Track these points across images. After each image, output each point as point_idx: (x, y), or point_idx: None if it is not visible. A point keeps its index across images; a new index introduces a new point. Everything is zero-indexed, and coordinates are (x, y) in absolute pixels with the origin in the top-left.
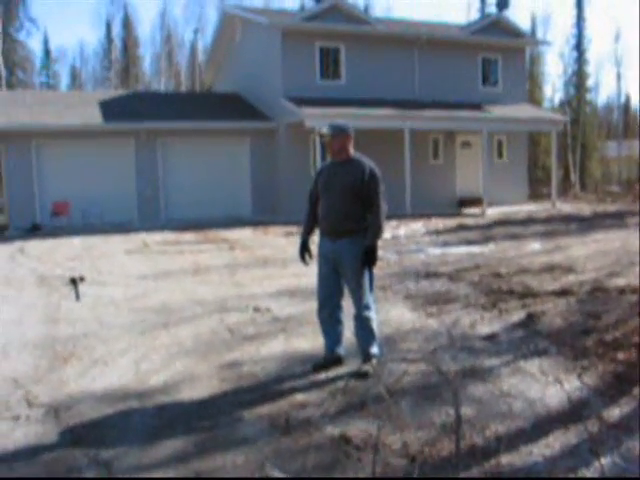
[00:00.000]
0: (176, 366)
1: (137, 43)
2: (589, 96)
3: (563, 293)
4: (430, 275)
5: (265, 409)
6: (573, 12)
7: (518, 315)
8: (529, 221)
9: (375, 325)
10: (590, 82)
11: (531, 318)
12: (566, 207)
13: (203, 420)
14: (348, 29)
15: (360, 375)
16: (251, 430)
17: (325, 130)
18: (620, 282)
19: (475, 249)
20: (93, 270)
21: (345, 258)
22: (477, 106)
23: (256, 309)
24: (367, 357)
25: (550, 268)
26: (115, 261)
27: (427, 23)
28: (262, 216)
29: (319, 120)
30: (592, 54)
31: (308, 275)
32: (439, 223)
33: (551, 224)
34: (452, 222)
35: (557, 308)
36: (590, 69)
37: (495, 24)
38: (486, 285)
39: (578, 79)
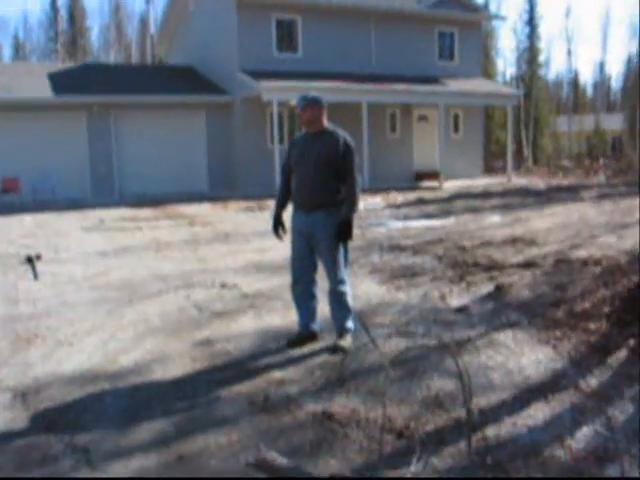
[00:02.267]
0: (146, 345)
1: (84, 14)
2: (541, 72)
3: (528, 265)
4: (394, 248)
5: (242, 387)
6: None
7: (486, 287)
8: (486, 195)
9: (350, 300)
10: (541, 58)
11: (499, 290)
12: (521, 181)
13: (179, 400)
14: (305, 0)
15: (337, 350)
16: (230, 409)
17: (297, 101)
18: (582, 254)
19: (436, 222)
20: (49, 248)
21: (319, 232)
22: (434, 80)
23: (223, 285)
24: (343, 332)
25: (512, 241)
26: (71, 238)
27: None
28: (219, 191)
29: (276, 93)
30: (543, 30)
31: (272, 250)
32: (398, 197)
33: (508, 197)
34: (411, 196)
35: (523, 280)
36: (542, 45)
37: None
38: (451, 258)
39: (530, 54)
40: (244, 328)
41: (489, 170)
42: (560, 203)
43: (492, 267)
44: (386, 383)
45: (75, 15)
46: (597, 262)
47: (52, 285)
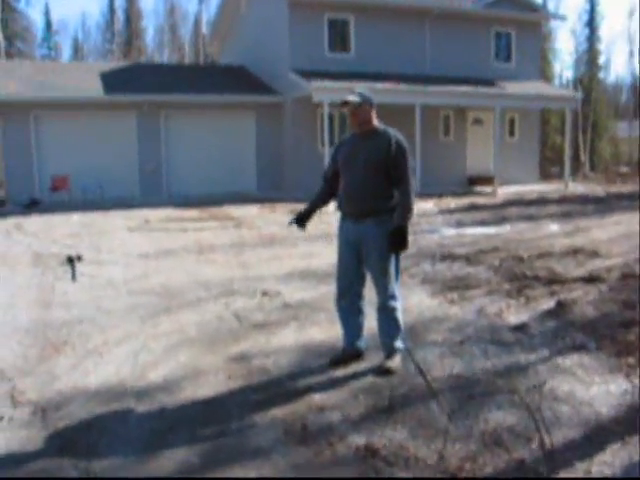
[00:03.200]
0: (178, 358)
1: (140, 15)
2: (600, 75)
3: (592, 279)
4: (447, 257)
5: (279, 412)
6: None
7: (547, 303)
8: (543, 201)
9: (400, 316)
10: (601, 60)
11: (561, 307)
12: (579, 188)
13: (209, 425)
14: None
15: (384, 372)
16: (264, 438)
17: (349, 98)
18: None
19: (491, 230)
20: (92, 248)
21: (369, 242)
22: (489, 82)
23: (264, 293)
24: (391, 352)
25: (573, 252)
26: (115, 239)
27: None
28: (268, 193)
29: (327, 94)
30: (604, 31)
31: (319, 256)
32: (450, 202)
33: (566, 205)
34: (463, 201)
35: (588, 296)
36: (602, 47)
37: None
38: (508, 269)
39: (590, 57)
40: (284, 342)
41: (545, 176)
42: (621, 212)
43: (552, 281)
44: (439, 414)
45: (131, 16)
46: None
47: (89, 288)
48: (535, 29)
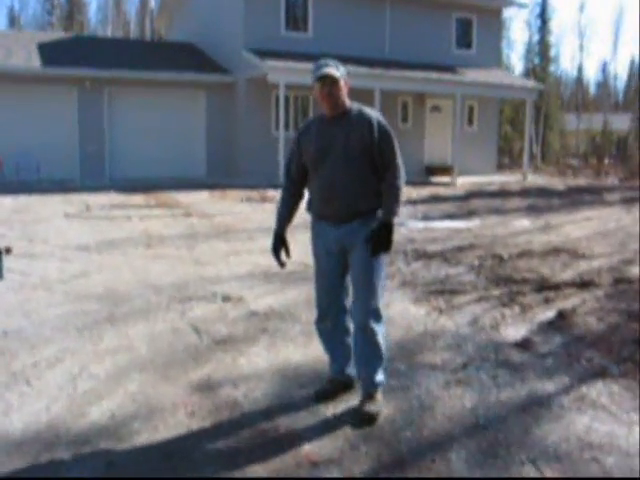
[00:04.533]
0: (127, 387)
1: None
2: (551, 67)
3: (585, 284)
4: (421, 255)
5: (260, 469)
6: None
7: (544, 313)
8: (505, 193)
9: (383, 341)
10: (552, 53)
11: (562, 318)
12: (538, 180)
13: None
14: None
15: (364, 420)
16: None
17: (329, 71)
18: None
19: (460, 224)
20: (24, 238)
21: (357, 247)
22: (450, 68)
23: (226, 298)
24: (371, 390)
25: (554, 251)
26: (51, 227)
27: None
28: (218, 178)
29: (284, 74)
30: (555, 24)
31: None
32: (412, 192)
33: (529, 198)
34: (424, 191)
35: (586, 304)
36: (552, 39)
37: None
38: (490, 271)
39: (541, 49)
40: (255, 365)
41: (498, 167)
42: (587, 207)
43: (544, 285)
44: (462, 467)
45: None
46: None
47: (18, 289)
48: (496, 16)
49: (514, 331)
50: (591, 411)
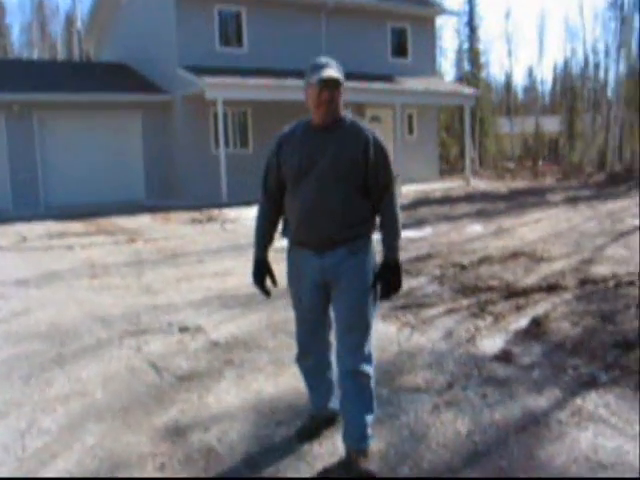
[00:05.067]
0: (84, 440)
1: (3, 10)
2: (482, 73)
3: (552, 288)
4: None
5: None
6: None
7: (517, 321)
8: (451, 200)
9: (374, 385)
10: (482, 60)
11: (537, 325)
12: (480, 184)
13: None
14: None
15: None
16: None
17: (333, 74)
18: (602, 270)
19: (412, 233)
20: None
21: (344, 278)
22: (387, 77)
23: (183, 328)
24: (362, 445)
25: (513, 255)
26: None
27: None
28: (159, 200)
29: (222, 90)
30: (483, 32)
31: (233, 274)
32: None
33: (476, 203)
34: None
35: (557, 309)
36: (481, 46)
37: None
38: (454, 280)
39: (472, 56)
40: (225, 403)
41: (441, 173)
42: (534, 208)
43: (511, 292)
44: None
45: None
46: (630, 283)
47: None
48: (429, 24)
49: (491, 343)
50: (592, 426)
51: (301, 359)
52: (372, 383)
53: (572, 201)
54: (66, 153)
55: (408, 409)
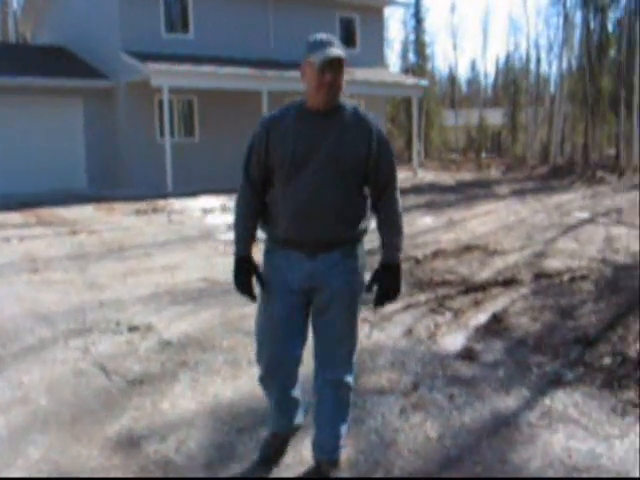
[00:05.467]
0: (29, 454)
1: None
2: (427, 65)
3: (508, 282)
4: None
5: None
6: None
7: (476, 317)
8: (400, 191)
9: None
10: (427, 51)
11: (497, 321)
12: (427, 175)
13: None
14: None
15: None
16: None
17: (338, 53)
18: (555, 264)
19: None
20: None
21: (335, 286)
22: None
23: (133, 327)
24: (335, 456)
25: (466, 249)
26: None
27: None
28: (102, 190)
29: (167, 78)
30: (429, 24)
31: (183, 267)
32: None
33: (425, 195)
34: None
35: (516, 304)
36: (427, 38)
37: None
38: (410, 274)
39: (417, 47)
40: (181, 408)
41: None
42: (483, 200)
43: (468, 287)
44: None
45: None
46: (583, 277)
47: None
48: (377, 15)
49: (452, 340)
50: (563, 427)
51: (267, 381)
52: (351, 393)
53: (519, 193)
54: (1, 140)
55: (374, 412)
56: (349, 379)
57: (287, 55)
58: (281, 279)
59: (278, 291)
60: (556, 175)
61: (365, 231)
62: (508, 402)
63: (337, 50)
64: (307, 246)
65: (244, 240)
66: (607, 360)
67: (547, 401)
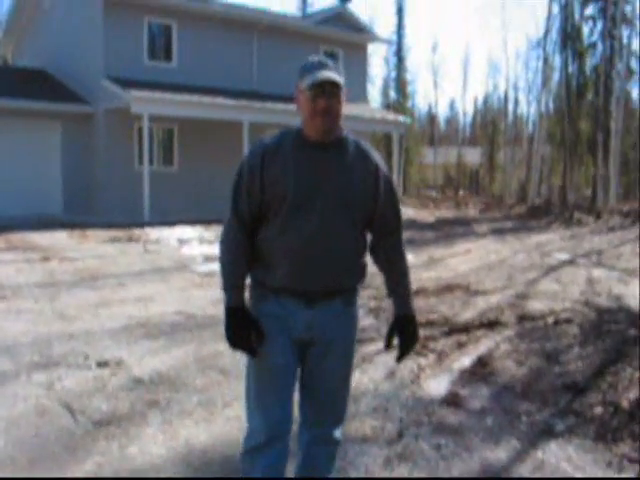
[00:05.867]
0: None
1: None
2: (408, 103)
3: (491, 324)
4: None
5: None
6: (394, 19)
7: (460, 360)
8: None
9: None
10: (408, 89)
11: (482, 364)
12: (407, 212)
13: None
14: (181, 3)
15: None
16: None
17: (331, 76)
18: (538, 306)
19: None
20: None
21: (335, 338)
22: None
23: (102, 362)
24: None
25: (448, 288)
26: None
27: (268, 11)
28: (77, 216)
29: (148, 105)
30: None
31: (157, 300)
32: None
33: (404, 231)
34: None
35: (500, 347)
36: (408, 76)
37: (339, 16)
38: (391, 313)
39: (398, 85)
40: (151, 454)
41: None
42: (462, 239)
43: (451, 328)
44: None
45: None
46: (567, 320)
47: None
48: (361, 51)
49: (437, 384)
50: None
51: (266, 448)
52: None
53: (498, 232)
54: None
55: (357, 463)
56: (338, 434)
57: (270, 87)
58: (280, 327)
59: (277, 340)
60: (534, 215)
61: (365, 275)
62: (498, 453)
63: (330, 72)
64: (308, 293)
65: (236, 287)
66: (598, 410)
67: (539, 454)
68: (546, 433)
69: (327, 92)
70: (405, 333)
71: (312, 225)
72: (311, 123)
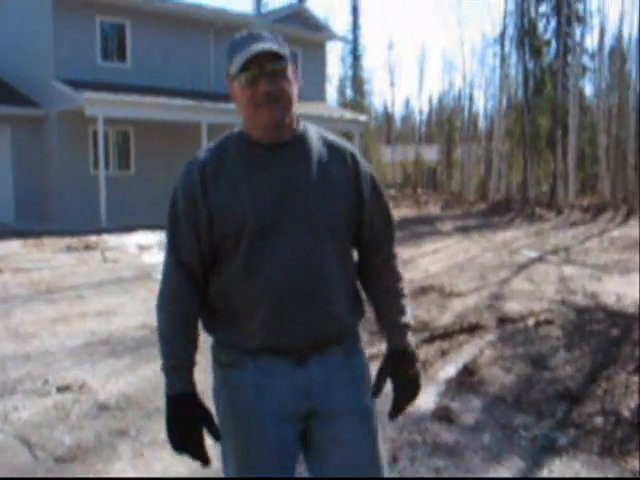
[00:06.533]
0: None
1: None
2: (365, 102)
3: (471, 328)
4: None
5: None
6: (349, 18)
7: (445, 369)
8: None
9: None
10: (365, 88)
11: (468, 373)
12: None
13: None
14: (134, 2)
15: None
16: None
17: (266, 46)
18: (515, 307)
19: None
20: None
21: (343, 401)
22: None
23: (63, 387)
24: None
25: (422, 290)
26: None
27: (225, 10)
28: (30, 224)
29: (103, 107)
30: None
31: (119, 312)
32: None
33: None
34: None
35: (484, 353)
36: (365, 75)
37: (297, 15)
38: (366, 319)
39: (355, 83)
40: None
41: None
42: (429, 238)
43: (432, 334)
44: None
45: None
46: (548, 321)
47: None
48: (320, 49)
49: (424, 397)
50: None
51: None
52: None
53: (463, 230)
54: None
55: None
56: None
57: (227, 88)
58: (263, 405)
59: (262, 424)
60: (495, 211)
61: (361, 311)
62: (502, 475)
63: (267, 44)
64: (295, 348)
65: (182, 364)
66: (599, 420)
67: (545, 472)
68: (548, 449)
69: (268, 71)
70: (401, 375)
71: (286, 254)
72: (254, 118)
